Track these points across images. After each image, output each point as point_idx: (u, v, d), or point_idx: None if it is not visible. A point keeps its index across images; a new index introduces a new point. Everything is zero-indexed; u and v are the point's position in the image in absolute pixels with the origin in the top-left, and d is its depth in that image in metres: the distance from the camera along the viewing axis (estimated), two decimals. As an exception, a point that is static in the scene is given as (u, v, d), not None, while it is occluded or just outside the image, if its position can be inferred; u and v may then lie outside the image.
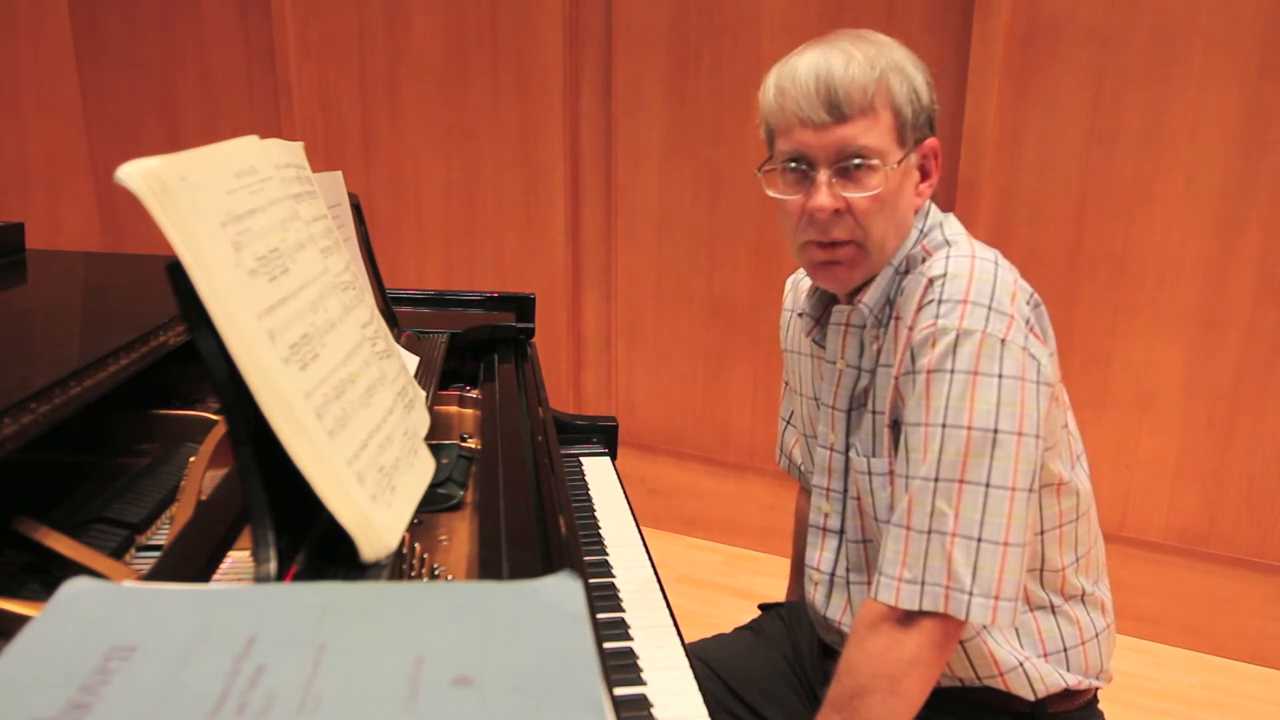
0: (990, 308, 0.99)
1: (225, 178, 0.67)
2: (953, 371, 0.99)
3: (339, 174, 1.30)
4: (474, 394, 1.33)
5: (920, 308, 1.03)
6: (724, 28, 2.60)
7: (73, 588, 0.42)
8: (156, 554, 0.88)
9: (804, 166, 1.06)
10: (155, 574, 0.70)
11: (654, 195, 2.80)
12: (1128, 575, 2.40)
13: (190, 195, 0.60)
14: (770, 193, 1.10)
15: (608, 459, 1.64)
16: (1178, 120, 2.17)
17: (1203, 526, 2.34)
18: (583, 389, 3.08)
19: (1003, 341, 0.98)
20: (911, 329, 1.04)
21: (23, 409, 0.73)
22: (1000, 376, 0.98)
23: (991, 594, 0.97)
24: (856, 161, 1.04)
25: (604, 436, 1.67)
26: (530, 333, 1.65)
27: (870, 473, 1.11)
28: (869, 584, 1.17)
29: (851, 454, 1.15)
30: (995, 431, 0.97)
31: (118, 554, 0.86)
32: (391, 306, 1.45)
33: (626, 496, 1.50)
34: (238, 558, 0.77)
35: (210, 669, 0.36)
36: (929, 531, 0.98)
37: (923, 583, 0.98)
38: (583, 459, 1.63)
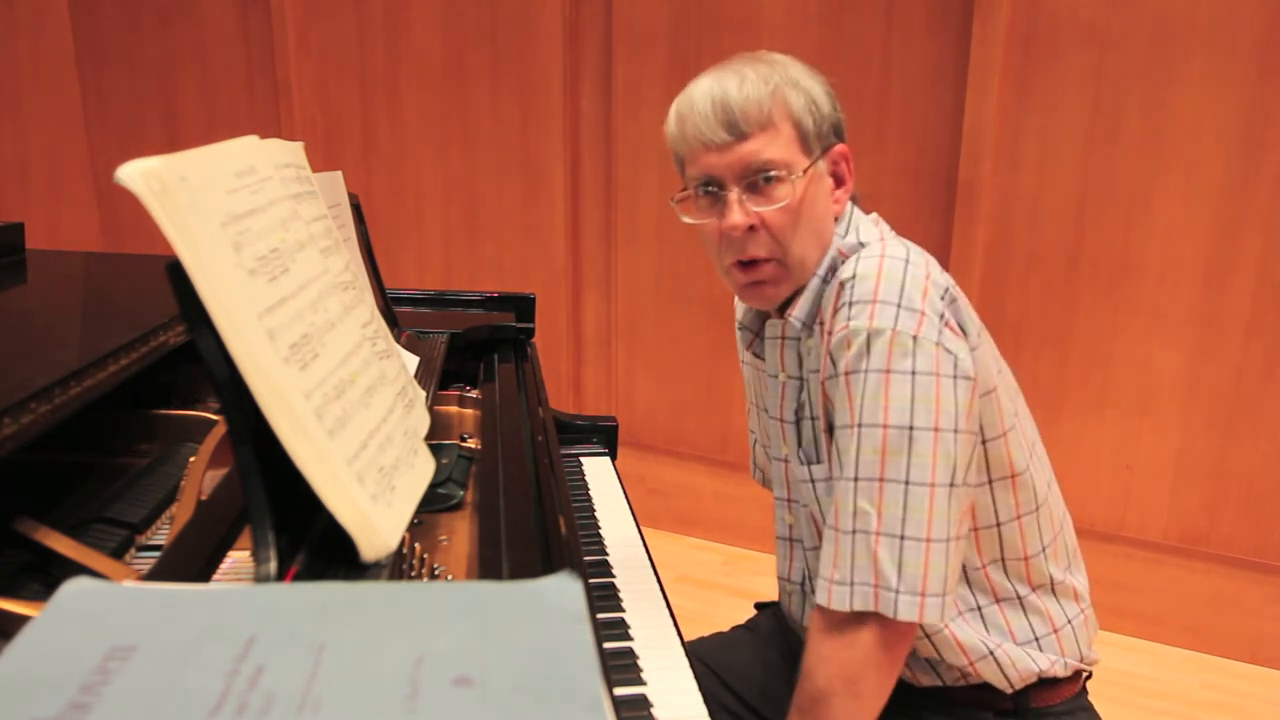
0: (900, 305, 1.00)
1: (225, 178, 0.67)
2: (866, 371, 0.99)
3: (339, 174, 1.30)
4: (474, 394, 1.33)
5: (835, 311, 1.04)
6: (724, 28, 2.60)
7: (73, 588, 0.42)
8: (156, 554, 0.88)
9: (715, 188, 1.09)
10: (155, 574, 0.70)
11: (654, 195, 2.80)
12: (1128, 575, 2.40)
13: (190, 195, 0.60)
14: (686, 219, 1.14)
15: (608, 459, 1.64)
16: (1178, 120, 2.17)
17: (1203, 526, 2.34)
18: (583, 389, 3.08)
19: (914, 338, 0.98)
20: (829, 334, 1.05)
21: (23, 409, 0.73)
22: (914, 373, 0.98)
23: (917, 591, 0.97)
24: (764, 175, 1.06)
25: (604, 436, 1.67)
26: (530, 333, 1.65)
27: (813, 480, 1.12)
28: None
29: (794, 462, 1.16)
30: (911, 429, 0.97)
31: (118, 554, 0.86)
32: (391, 306, 1.45)
33: (626, 496, 1.50)
34: (238, 558, 0.77)
35: (210, 669, 0.36)
36: (854, 531, 0.99)
37: (852, 583, 0.99)
38: (583, 459, 1.63)
